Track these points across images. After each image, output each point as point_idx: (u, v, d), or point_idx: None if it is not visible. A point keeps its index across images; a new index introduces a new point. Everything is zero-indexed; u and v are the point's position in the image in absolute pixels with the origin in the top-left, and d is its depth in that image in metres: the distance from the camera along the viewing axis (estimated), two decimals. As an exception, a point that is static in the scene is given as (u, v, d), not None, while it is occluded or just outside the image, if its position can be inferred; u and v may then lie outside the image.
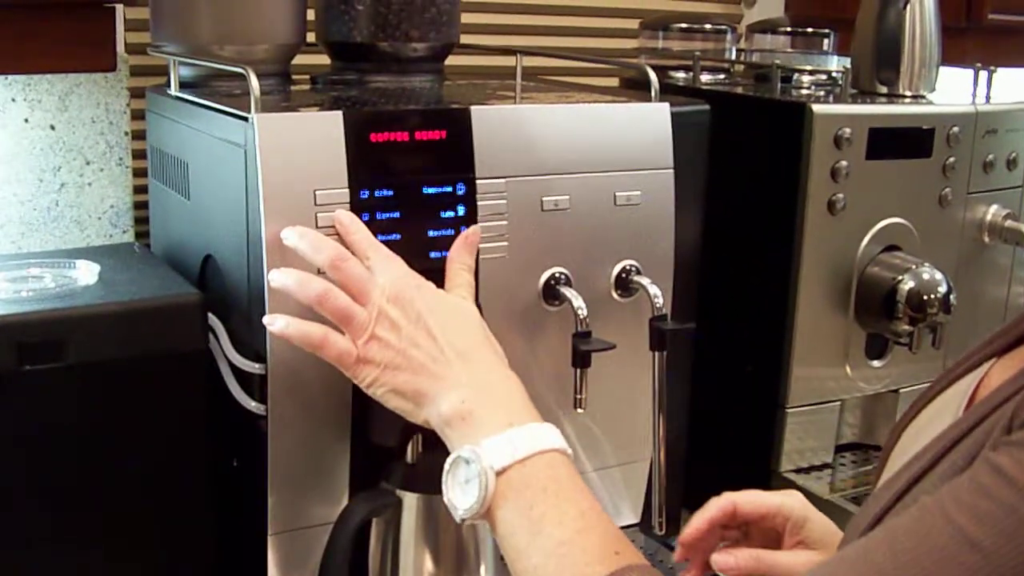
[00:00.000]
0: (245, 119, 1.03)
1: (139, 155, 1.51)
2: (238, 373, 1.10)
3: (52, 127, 1.48)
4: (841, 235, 1.49)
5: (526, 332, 1.18)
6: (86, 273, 1.11)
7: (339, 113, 1.05)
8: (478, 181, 1.12)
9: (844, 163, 1.46)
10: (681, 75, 1.73)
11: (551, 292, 1.17)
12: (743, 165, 1.52)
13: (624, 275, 1.22)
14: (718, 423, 1.58)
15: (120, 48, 1.46)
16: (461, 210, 1.11)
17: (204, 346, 1.09)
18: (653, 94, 1.25)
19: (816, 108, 1.44)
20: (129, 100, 1.51)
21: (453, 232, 1.10)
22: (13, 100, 1.43)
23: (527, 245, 1.15)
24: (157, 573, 1.13)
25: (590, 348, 1.12)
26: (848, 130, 1.45)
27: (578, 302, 1.14)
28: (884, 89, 1.63)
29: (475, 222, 1.11)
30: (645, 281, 1.20)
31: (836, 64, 1.79)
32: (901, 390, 1.62)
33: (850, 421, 1.63)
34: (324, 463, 1.11)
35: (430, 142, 1.09)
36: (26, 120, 1.45)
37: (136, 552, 1.11)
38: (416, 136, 1.08)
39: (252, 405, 1.08)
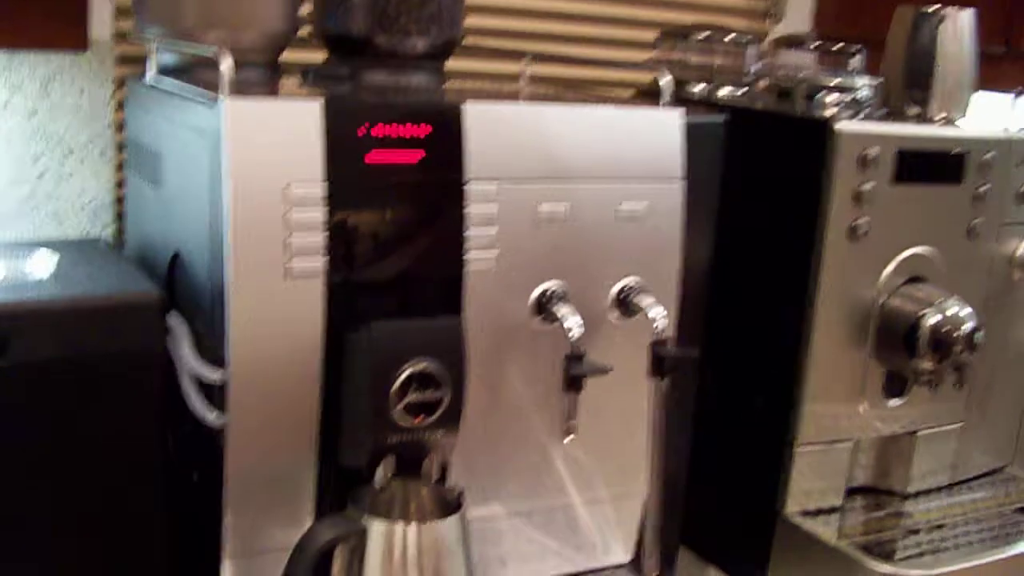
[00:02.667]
0: (214, 104, 0.95)
1: (124, 148, 1.42)
2: (198, 380, 1.01)
3: (34, 112, 1.39)
4: (862, 263, 1.40)
5: (515, 351, 1.09)
6: (40, 266, 1.03)
7: (317, 102, 0.96)
8: (468, 184, 1.03)
9: (869, 186, 1.36)
10: (699, 88, 1.64)
11: (543, 309, 1.08)
12: (760, 184, 1.42)
13: (624, 294, 1.13)
14: (721, 458, 1.48)
15: (106, 35, 1.38)
16: (447, 215, 1.02)
17: (160, 349, 1.00)
18: (665, 99, 1.16)
19: (840, 126, 1.34)
20: (114, 90, 1.44)
21: (439, 238, 1.01)
22: (-9, 82, 1.35)
23: (519, 256, 1.06)
24: (104, 593, 1.04)
25: (582, 372, 1.03)
26: (874, 150, 1.35)
27: (569, 322, 1.05)
28: (914, 111, 1.53)
29: (462, 229, 1.02)
30: (647, 301, 1.11)
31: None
32: (919, 432, 1.52)
33: (863, 463, 1.53)
34: (287, 482, 1.02)
35: (416, 138, 1.00)
36: (5, 104, 1.37)
37: (84, 570, 1.02)
38: (401, 131, 0.99)
39: (211, 416, 0.99)
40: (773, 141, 1.43)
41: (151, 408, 1.01)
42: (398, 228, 1.00)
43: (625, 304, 1.13)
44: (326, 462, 1.03)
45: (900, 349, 1.41)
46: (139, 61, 1.41)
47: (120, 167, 1.44)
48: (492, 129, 1.03)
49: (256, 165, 0.94)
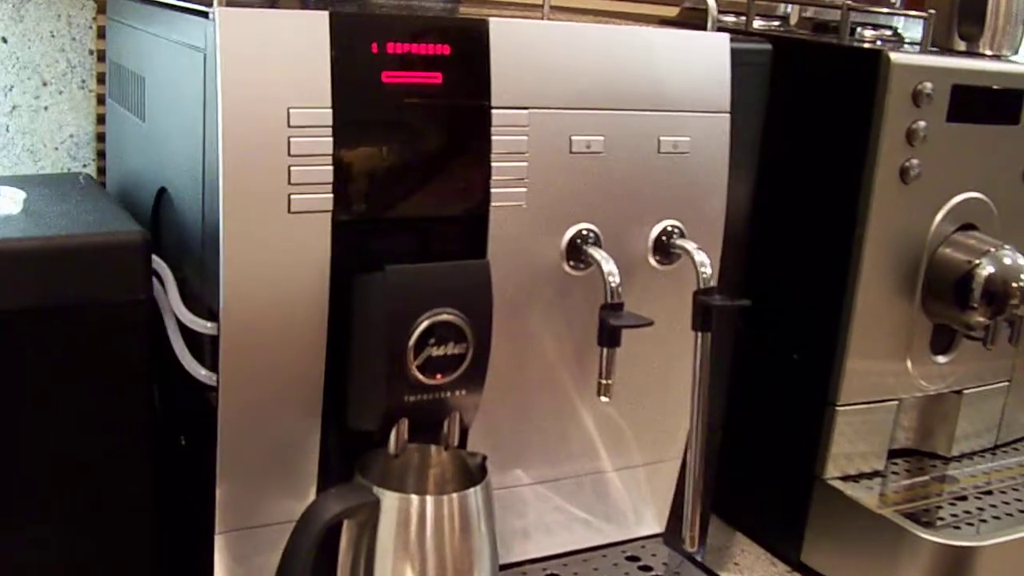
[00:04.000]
0: (206, 15, 0.82)
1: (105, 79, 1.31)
2: (187, 332, 0.89)
3: (3, 39, 1.26)
4: (913, 208, 1.28)
5: (544, 299, 0.97)
6: (7, 202, 0.91)
7: (325, 13, 0.83)
8: (494, 111, 0.90)
9: (922, 124, 1.24)
10: (731, 19, 1.51)
11: (576, 252, 0.96)
12: (802, 121, 1.31)
13: (665, 237, 1.01)
14: (754, 418, 1.37)
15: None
16: (471, 146, 0.90)
17: (146, 296, 0.88)
18: (710, 22, 1.03)
19: (894, 56, 1.22)
20: (95, 14, 1.31)
21: (461, 172, 0.89)
22: (-45, 3, 1.23)
23: (550, 193, 0.94)
24: (84, 571, 0.92)
25: (621, 324, 0.91)
26: (929, 85, 1.24)
27: (609, 266, 0.94)
28: (963, 46, 1.41)
29: (488, 162, 0.90)
30: (690, 246, 1.00)
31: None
32: (965, 391, 1.42)
33: (904, 424, 1.43)
34: (287, 449, 0.91)
35: (437, 57, 0.87)
36: (-28, 30, 1.25)
37: (61, 543, 0.91)
38: (420, 48, 0.87)
39: (202, 373, 0.88)
40: (818, 74, 1.30)
41: (134, 365, 0.89)
42: (415, 159, 0.88)
43: (665, 248, 1.01)
44: (332, 425, 0.91)
45: (950, 301, 1.31)
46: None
47: (102, 100, 1.32)
48: (521, 50, 0.91)
49: (254, 85, 0.82)
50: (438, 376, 0.87)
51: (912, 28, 1.56)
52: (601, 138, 0.96)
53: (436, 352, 0.86)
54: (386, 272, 0.84)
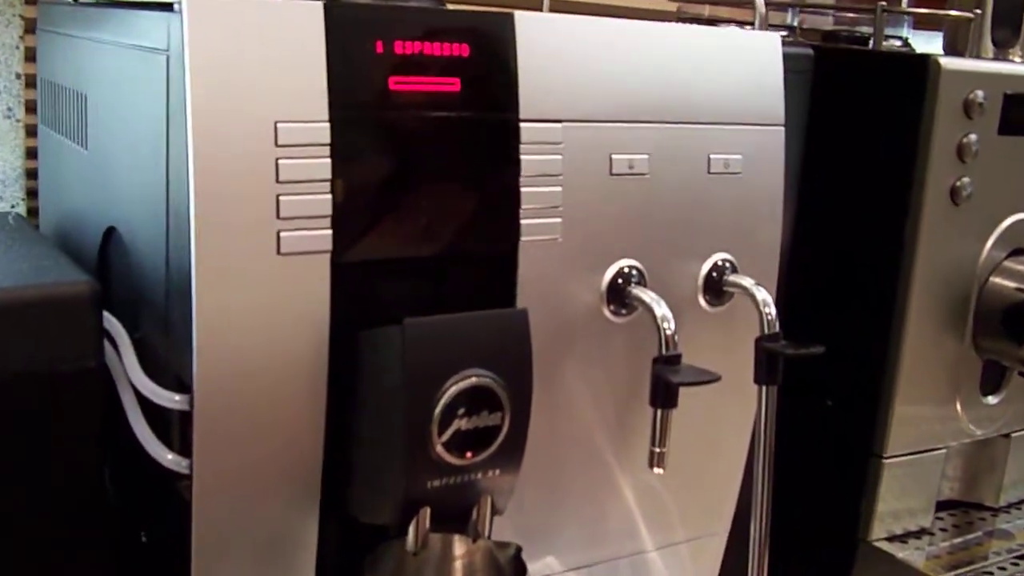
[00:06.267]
0: (170, 7, 0.65)
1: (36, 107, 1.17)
2: (149, 407, 0.71)
3: (-87, 61, 1.11)
4: (963, 232, 1.15)
5: (580, 351, 0.82)
6: (-81, 248, 0.73)
7: (319, 4, 0.67)
8: (523, 125, 0.74)
9: (973, 137, 1.11)
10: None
11: (618, 294, 0.81)
12: (840, 137, 1.17)
13: (716, 273, 0.85)
14: (787, 473, 1.21)
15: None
16: (496, 168, 0.73)
17: (96, 363, 0.71)
18: (758, 19, 0.88)
19: (944, 62, 1.08)
20: (23, 32, 1.15)
21: (484, 200, 0.73)
22: None
23: (588, 224, 0.79)
24: None
25: (683, 380, 0.75)
26: (980, 94, 1.10)
27: (661, 310, 0.78)
28: (991, 52, 1.28)
29: (516, 187, 0.74)
30: (747, 282, 0.84)
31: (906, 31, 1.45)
32: (1013, 434, 1.28)
33: (949, 474, 1.28)
34: (278, 547, 0.74)
35: (454, 60, 0.71)
36: None
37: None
38: (433, 48, 0.70)
39: (168, 458, 0.70)
40: (857, 85, 1.16)
41: (82, 449, 0.72)
42: (430, 186, 0.72)
43: (716, 287, 0.86)
44: (332, 517, 0.74)
45: (1002, 335, 1.18)
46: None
47: (33, 132, 1.16)
48: (553, 50, 0.76)
49: (231, 95, 0.65)
50: (468, 454, 0.70)
51: (920, 40, 1.44)
52: (645, 157, 0.80)
53: (466, 424, 0.69)
54: (404, 326, 0.67)
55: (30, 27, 1.15)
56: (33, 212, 1.18)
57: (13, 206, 1.18)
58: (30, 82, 1.16)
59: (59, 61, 0.95)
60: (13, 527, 0.72)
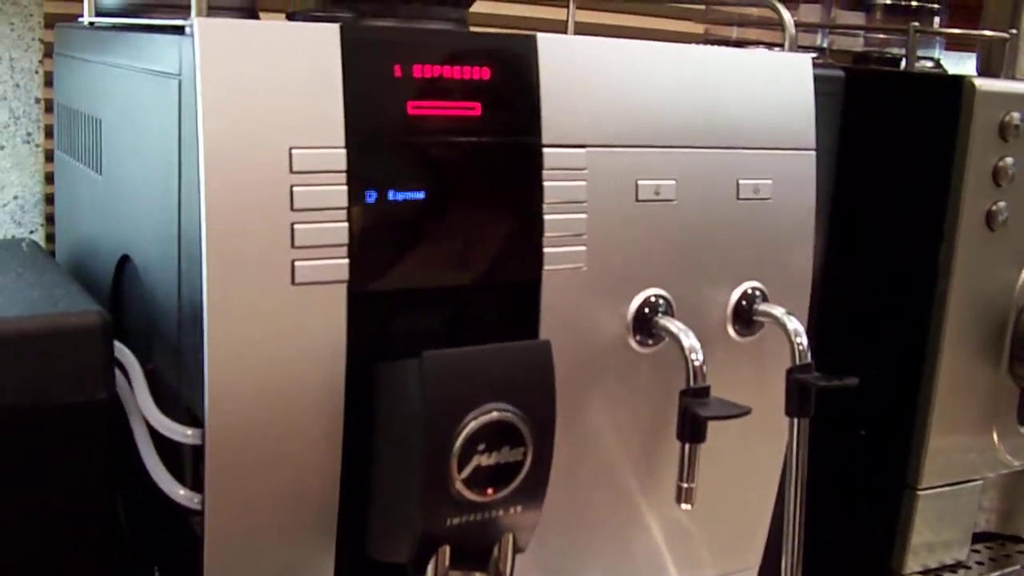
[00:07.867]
0: (181, 31, 0.64)
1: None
2: (161, 441, 0.70)
3: (-66, 85, 1.10)
4: (999, 258, 1.12)
5: (605, 383, 0.80)
6: (-72, 277, 0.71)
7: (335, 27, 0.65)
8: (546, 150, 0.72)
9: (1009, 160, 1.08)
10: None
11: (645, 324, 0.78)
12: (871, 161, 1.14)
13: (745, 302, 0.83)
14: (819, 505, 1.19)
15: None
16: (518, 194, 0.71)
17: (107, 395, 0.69)
18: (788, 41, 0.86)
19: (979, 83, 1.06)
20: (42, 57, 1.15)
21: (506, 228, 0.71)
22: None
23: (614, 252, 0.77)
24: None
25: (712, 415, 0.73)
26: (1016, 115, 1.08)
27: (689, 341, 0.76)
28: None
29: (539, 214, 0.72)
30: (778, 311, 0.82)
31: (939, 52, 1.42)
32: (1050, 465, 1.25)
33: (985, 505, 1.26)
34: (293, 585, 0.71)
35: (475, 84, 0.69)
36: None
37: None
38: (453, 72, 0.68)
39: (180, 494, 0.68)
40: (889, 107, 1.14)
41: (92, 483, 0.70)
42: (450, 213, 0.70)
43: (746, 316, 0.83)
44: (348, 555, 0.72)
45: (1037, 362, 1.14)
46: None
47: (52, 157, 1.15)
48: (577, 74, 0.73)
49: (244, 120, 0.63)
50: (489, 491, 0.68)
51: (951, 60, 1.42)
52: (672, 183, 0.78)
53: (487, 460, 0.67)
54: (423, 359, 0.65)
55: (49, 51, 1.14)
56: (52, 238, 1.17)
57: (32, 231, 1.17)
58: (49, 107, 1.15)
59: (75, 86, 0.94)
60: (25, 562, 0.70)
